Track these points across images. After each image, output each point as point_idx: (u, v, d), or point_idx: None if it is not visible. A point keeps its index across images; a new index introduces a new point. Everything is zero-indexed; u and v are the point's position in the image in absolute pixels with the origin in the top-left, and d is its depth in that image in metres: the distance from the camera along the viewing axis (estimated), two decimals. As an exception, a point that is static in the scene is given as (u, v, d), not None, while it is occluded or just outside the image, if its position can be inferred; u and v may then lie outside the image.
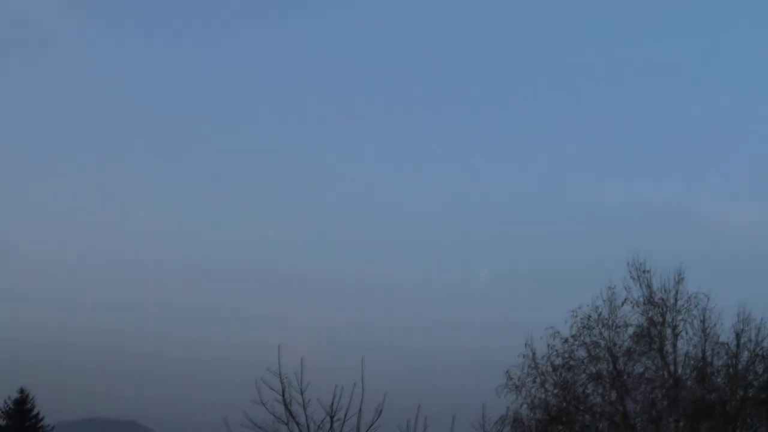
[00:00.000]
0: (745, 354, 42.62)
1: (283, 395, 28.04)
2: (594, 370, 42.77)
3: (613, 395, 42.64)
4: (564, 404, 42.99)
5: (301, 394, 27.92)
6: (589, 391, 43.19)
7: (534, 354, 42.91)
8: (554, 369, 42.89)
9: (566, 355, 42.83)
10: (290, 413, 28.02)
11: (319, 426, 28.09)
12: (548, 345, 42.90)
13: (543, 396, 42.92)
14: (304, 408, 28.04)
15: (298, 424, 28.17)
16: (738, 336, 42.56)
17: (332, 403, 27.70)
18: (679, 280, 42.76)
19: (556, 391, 43.03)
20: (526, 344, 43.10)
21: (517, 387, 42.76)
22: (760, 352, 42.59)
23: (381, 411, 27.72)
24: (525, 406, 42.73)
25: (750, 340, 42.57)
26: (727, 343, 42.60)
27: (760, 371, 42.89)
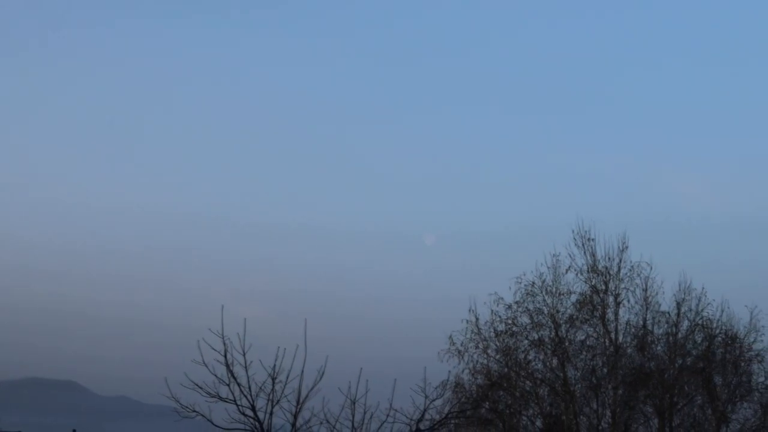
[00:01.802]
0: (685, 323, 42.98)
1: (225, 356, 27.35)
2: (536, 337, 42.75)
3: (555, 362, 42.73)
4: (505, 370, 42.97)
5: (243, 355, 27.22)
6: (530, 357, 43.21)
7: (477, 320, 42.75)
8: (497, 335, 42.80)
9: (509, 322, 42.73)
10: (232, 374, 27.35)
11: (260, 387, 27.50)
12: (492, 311, 42.78)
13: (485, 361, 42.83)
14: (246, 369, 27.37)
15: (239, 385, 27.48)
16: (679, 305, 42.84)
17: (274, 365, 27.17)
18: (623, 249, 42.76)
19: (498, 356, 42.96)
20: (469, 310, 42.86)
21: (459, 352, 42.55)
22: (699, 322, 42.95)
23: (323, 373, 27.37)
24: (467, 371, 42.57)
25: (690, 310, 42.90)
26: (668, 312, 42.84)
27: (699, 340, 43.28)
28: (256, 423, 27.65)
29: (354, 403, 27.68)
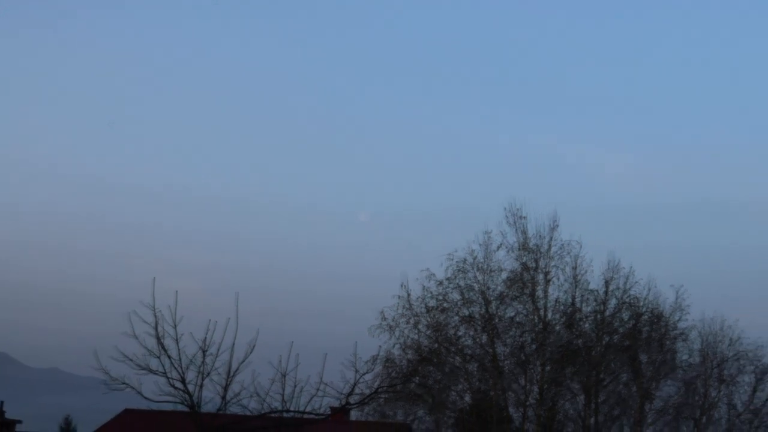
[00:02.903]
0: (613, 301, 43.80)
1: (156, 329, 27.24)
2: (467, 313, 43.15)
3: (484, 338, 43.17)
4: (436, 345, 43.27)
5: (174, 327, 27.13)
6: (460, 333, 43.66)
7: (409, 295, 42.96)
8: (428, 311, 43.09)
9: (440, 298, 43.04)
10: (162, 347, 27.24)
11: (191, 360, 27.42)
12: (423, 287, 42.99)
13: (416, 337, 43.10)
14: (177, 342, 27.25)
15: (170, 357, 27.37)
16: (607, 283, 43.59)
17: (205, 338, 27.08)
18: (554, 228, 43.24)
19: (428, 332, 43.25)
20: (401, 285, 43.01)
21: (390, 327, 42.72)
22: (627, 300, 43.82)
23: (253, 347, 27.36)
24: (398, 346, 42.79)
25: (618, 288, 43.69)
26: (596, 291, 43.58)
27: (626, 318, 44.22)
28: (186, 395, 27.54)
29: (284, 377, 27.67)
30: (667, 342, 45.02)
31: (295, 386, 27.68)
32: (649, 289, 44.07)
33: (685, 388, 46.31)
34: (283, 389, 27.71)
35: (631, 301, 43.86)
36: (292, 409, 28.05)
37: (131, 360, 27.03)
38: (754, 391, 46.76)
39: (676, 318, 44.58)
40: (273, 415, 28.25)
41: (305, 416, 28.45)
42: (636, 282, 43.75)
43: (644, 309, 44.15)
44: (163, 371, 27.36)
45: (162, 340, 27.17)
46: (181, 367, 27.35)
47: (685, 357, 46.17)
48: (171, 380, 27.50)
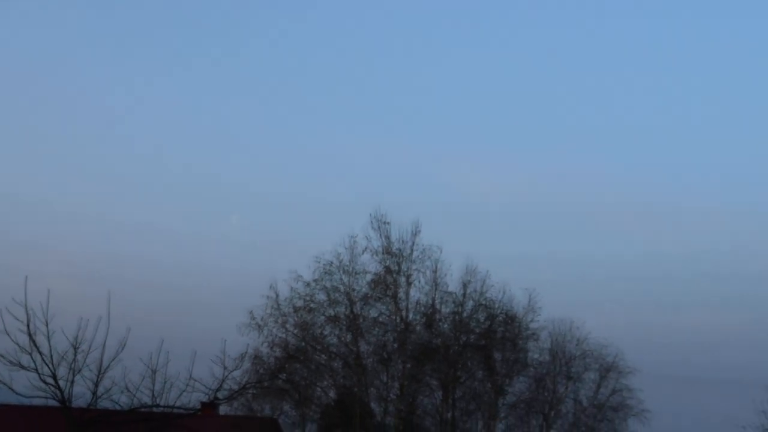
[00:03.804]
0: (470, 303, 46.25)
1: (28, 325, 27.85)
2: (332, 313, 45.10)
3: (349, 337, 45.19)
4: (302, 344, 45.10)
5: (46, 324, 27.67)
6: (326, 332, 45.59)
7: (277, 296, 44.65)
8: (295, 310, 44.89)
9: (307, 298, 44.89)
10: (34, 343, 27.70)
11: (62, 356, 28.03)
12: (291, 288, 44.72)
13: (283, 335, 44.87)
14: (49, 339, 27.78)
15: (41, 353, 27.88)
16: (465, 286, 46.07)
17: (76, 335, 27.73)
18: (416, 233, 45.47)
19: (296, 331, 45.05)
20: (270, 286, 44.56)
21: (259, 326, 44.34)
22: (483, 302, 46.37)
23: (124, 344, 28.02)
24: (266, 344, 44.41)
25: (475, 291, 46.21)
26: (455, 293, 46.00)
27: (482, 319, 46.75)
28: (57, 391, 28.10)
29: (154, 373, 28.55)
30: (520, 342, 47.58)
31: (165, 382, 28.57)
32: (504, 293, 46.63)
33: (536, 385, 48.99)
34: (153, 385, 28.53)
35: (487, 303, 46.36)
36: (161, 404, 28.80)
37: (2, 356, 27.51)
38: (598, 387, 50.01)
39: (528, 319, 47.26)
40: (143, 409, 28.93)
41: (174, 411, 29.15)
42: (492, 285, 46.28)
43: (499, 311, 46.69)
44: (35, 367, 27.79)
45: (34, 337, 27.61)
46: (53, 364, 27.87)
47: (535, 356, 48.91)
48: (42, 376, 27.98)
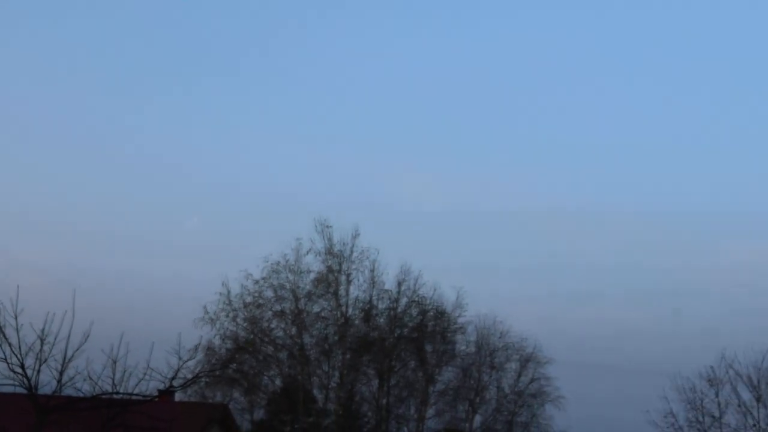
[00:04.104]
0: (404, 300, 48.94)
1: (-3, 319, 29.09)
2: (279, 308, 47.67)
3: (293, 330, 47.74)
4: (251, 336, 47.68)
5: (15, 318, 28.95)
6: (273, 326, 48.17)
7: (229, 292, 47.19)
8: (245, 306, 47.46)
9: (256, 295, 47.45)
10: (3, 335, 29.11)
11: (30, 348, 29.16)
12: (242, 285, 47.29)
13: (234, 329, 47.46)
14: (17, 331, 29.06)
15: (10, 345, 29.23)
16: (399, 285, 48.73)
17: (43, 328, 28.92)
18: (355, 236, 48.09)
19: (245, 324, 47.63)
20: (222, 283, 47.12)
21: (212, 320, 46.77)
22: (415, 299, 48.99)
23: (87, 336, 29.32)
24: (218, 336, 46.85)
25: (409, 288, 48.87)
26: (390, 290, 48.70)
27: (415, 314, 49.39)
28: (24, 379, 29.42)
29: (115, 363, 29.73)
30: (449, 334, 49.86)
31: (125, 371, 29.74)
32: (435, 290, 49.03)
33: (463, 374, 51.06)
34: (114, 374, 29.64)
35: (419, 300, 48.84)
36: (121, 391, 29.93)
37: (-28, 348, 28.71)
38: (519, 376, 52.13)
39: (456, 315, 49.55)
40: (104, 396, 30.09)
41: (133, 397, 30.21)
42: (424, 284, 48.78)
43: (430, 306, 49.14)
44: (3, 357, 29.07)
45: (3, 330, 28.79)
46: (21, 354, 28.94)
47: (463, 347, 51.09)
48: (11, 365, 29.14)
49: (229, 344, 47.23)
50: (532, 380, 52.07)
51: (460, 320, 49.78)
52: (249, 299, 47.32)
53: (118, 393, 30.11)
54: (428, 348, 49.60)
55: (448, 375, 50.79)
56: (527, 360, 51.80)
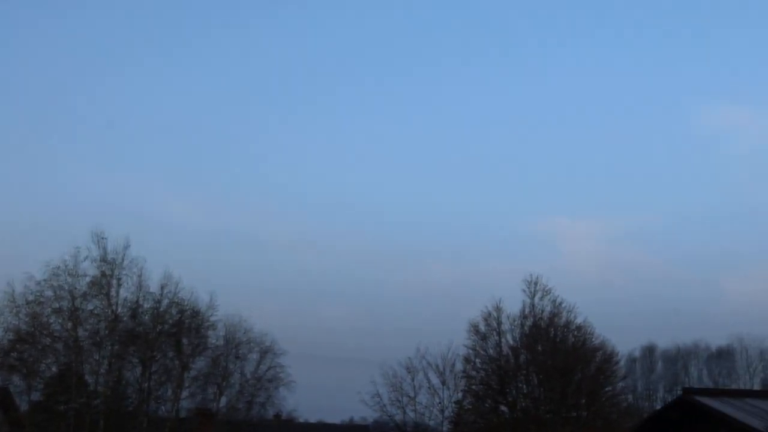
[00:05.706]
0: (166, 301, 55.05)
1: None
2: (57, 306, 52.34)
3: (69, 325, 52.47)
4: (32, 329, 52.22)
5: None
6: (51, 320, 52.77)
7: (13, 291, 51.53)
8: (27, 303, 51.84)
9: (38, 294, 51.98)
10: None
11: None
12: (25, 285, 51.71)
13: (16, 322, 51.86)
14: None
15: None
16: (162, 288, 54.89)
17: None
18: (127, 247, 53.99)
19: (27, 319, 52.03)
20: (7, 283, 51.43)
21: (-1, 315, 50.70)
22: (175, 300, 55.25)
23: None
24: (1, 329, 51.37)
25: (170, 291, 55.09)
26: (154, 293, 54.67)
27: (174, 313, 55.52)
28: None
29: None
30: (202, 330, 55.67)
31: None
32: (192, 293, 55.13)
33: (212, 363, 57.03)
34: None
35: (179, 301, 54.56)
36: None
37: None
38: (258, 364, 58.91)
39: (209, 314, 55.85)
40: None
41: None
42: (183, 288, 54.73)
43: (187, 307, 54.84)
44: None
45: None
46: None
47: (213, 341, 57.23)
48: None
49: (11, 336, 51.08)
50: (269, 368, 58.52)
51: (212, 318, 55.98)
52: (31, 297, 51.33)
53: None
54: (185, 341, 54.73)
55: (200, 363, 56.39)
56: (266, 351, 58.56)
